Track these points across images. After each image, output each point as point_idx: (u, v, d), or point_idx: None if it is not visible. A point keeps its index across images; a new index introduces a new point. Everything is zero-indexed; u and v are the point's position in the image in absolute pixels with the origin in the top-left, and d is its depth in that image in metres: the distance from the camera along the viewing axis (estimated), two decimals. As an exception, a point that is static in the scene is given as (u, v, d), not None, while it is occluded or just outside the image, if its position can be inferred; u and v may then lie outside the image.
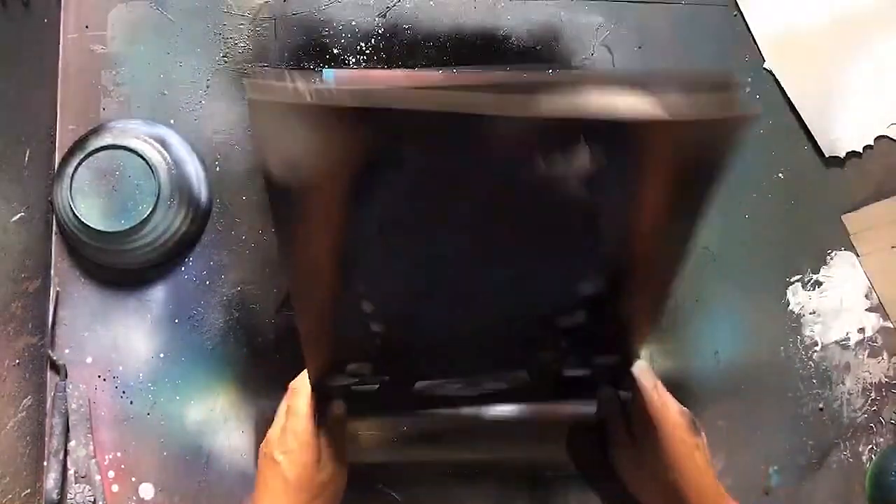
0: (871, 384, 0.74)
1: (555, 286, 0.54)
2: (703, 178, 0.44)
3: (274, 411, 0.72)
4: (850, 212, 0.75)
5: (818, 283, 0.74)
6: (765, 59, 0.74)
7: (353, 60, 0.73)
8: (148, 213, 0.66)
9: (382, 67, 0.72)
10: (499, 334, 0.62)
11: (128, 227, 0.66)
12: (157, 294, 0.72)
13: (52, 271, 0.71)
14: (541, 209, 0.45)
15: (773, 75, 0.74)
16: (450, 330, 0.62)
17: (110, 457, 0.70)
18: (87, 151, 0.67)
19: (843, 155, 0.74)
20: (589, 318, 0.56)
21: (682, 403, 0.73)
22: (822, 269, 0.75)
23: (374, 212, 0.44)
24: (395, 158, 0.40)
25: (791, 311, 0.74)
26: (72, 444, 0.70)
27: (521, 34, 0.74)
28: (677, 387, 0.73)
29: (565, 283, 0.54)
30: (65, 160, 0.69)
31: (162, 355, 0.71)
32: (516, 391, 0.67)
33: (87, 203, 0.66)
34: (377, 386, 0.71)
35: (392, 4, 0.74)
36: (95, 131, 0.69)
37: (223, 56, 0.73)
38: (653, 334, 0.73)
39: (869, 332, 0.74)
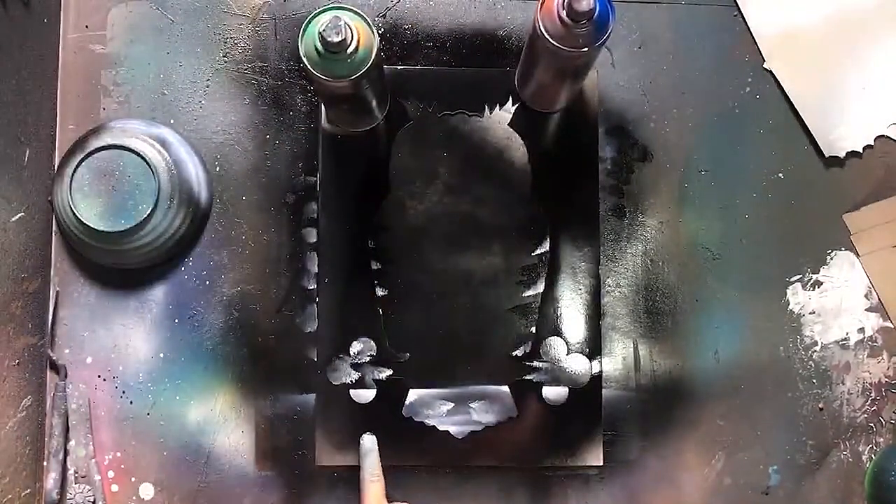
0: (870, 384, 0.74)
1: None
2: None
3: (273, 411, 0.72)
4: (850, 212, 0.75)
5: (818, 283, 0.74)
6: (765, 59, 0.74)
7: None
8: (148, 213, 0.66)
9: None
10: (485, 343, 0.72)
11: (128, 227, 0.66)
12: (157, 294, 0.72)
13: (52, 271, 0.71)
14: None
15: (773, 75, 0.74)
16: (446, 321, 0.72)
17: (110, 457, 0.70)
18: (87, 151, 0.67)
19: (843, 155, 0.74)
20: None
21: (682, 403, 0.73)
22: (822, 269, 0.75)
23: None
24: None
25: (791, 311, 0.74)
26: (72, 444, 0.70)
27: (521, 34, 0.74)
28: (677, 386, 0.73)
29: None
30: (65, 160, 0.69)
31: (162, 355, 0.71)
32: (502, 428, 0.71)
33: (87, 203, 0.66)
34: (375, 392, 0.71)
35: (392, 4, 0.74)
36: (95, 131, 0.69)
37: (223, 56, 0.73)
38: (653, 333, 0.74)
39: (869, 332, 0.74)
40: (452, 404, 0.71)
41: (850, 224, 0.75)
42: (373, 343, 0.72)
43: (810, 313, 0.74)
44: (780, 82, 0.74)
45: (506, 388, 0.72)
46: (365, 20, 0.59)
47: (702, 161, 0.75)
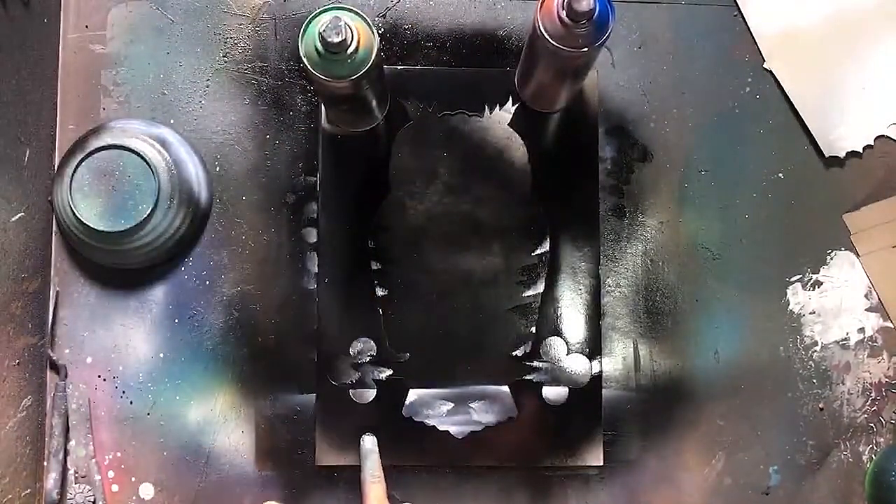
0: (871, 384, 0.74)
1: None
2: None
3: (273, 411, 0.72)
4: (850, 212, 0.75)
5: (818, 283, 0.74)
6: (765, 59, 0.74)
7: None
8: (148, 213, 0.66)
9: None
10: (485, 343, 0.72)
11: (128, 227, 0.66)
12: (157, 294, 0.72)
13: (52, 271, 0.71)
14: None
15: (773, 75, 0.74)
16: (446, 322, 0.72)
17: (110, 457, 0.70)
18: (87, 151, 0.67)
19: (843, 155, 0.74)
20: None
21: (682, 403, 0.73)
22: (822, 269, 0.75)
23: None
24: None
25: (791, 311, 0.74)
26: (72, 444, 0.70)
27: (521, 34, 0.74)
28: (677, 386, 0.73)
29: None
30: (65, 160, 0.69)
31: (162, 355, 0.71)
32: (501, 428, 0.71)
33: (87, 203, 0.66)
34: (375, 392, 0.71)
35: (392, 4, 0.74)
36: (95, 131, 0.69)
37: (223, 56, 0.73)
38: (653, 333, 0.73)
39: (869, 332, 0.74)
40: (452, 404, 0.71)
41: (850, 224, 0.75)
42: (373, 343, 0.72)
43: (810, 313, 0.74)
44: (780, 82, 0.74)
45: (506, 388, 0.72)
46: (365, 20, 0.59)
47: (702, 161, 0.75)
